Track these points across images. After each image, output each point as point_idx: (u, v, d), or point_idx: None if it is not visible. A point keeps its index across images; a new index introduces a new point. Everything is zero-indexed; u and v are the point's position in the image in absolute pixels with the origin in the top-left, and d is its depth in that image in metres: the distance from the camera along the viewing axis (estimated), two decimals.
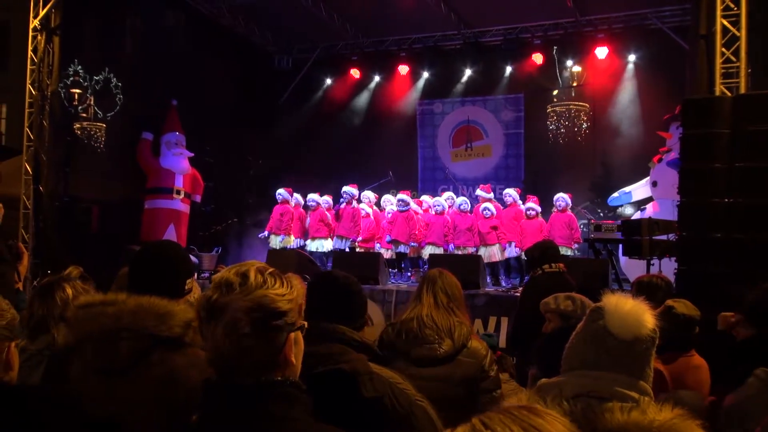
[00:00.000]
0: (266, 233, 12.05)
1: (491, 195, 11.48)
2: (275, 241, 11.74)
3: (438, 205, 11.15)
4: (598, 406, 1.58)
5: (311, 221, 11.97)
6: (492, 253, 10.64)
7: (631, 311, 1.86)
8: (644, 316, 1.87)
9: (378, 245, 11.53)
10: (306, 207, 12.28)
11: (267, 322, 1.42)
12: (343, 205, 11.32)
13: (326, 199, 11.99)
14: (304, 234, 12.21)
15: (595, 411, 1.48)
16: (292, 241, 11.78)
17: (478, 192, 11.47)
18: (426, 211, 11.54)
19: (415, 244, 10.91)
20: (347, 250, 11.20)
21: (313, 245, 11.72)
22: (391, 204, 11.52)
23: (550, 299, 3.78)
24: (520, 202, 11.20)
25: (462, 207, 10.93)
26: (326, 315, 2.33)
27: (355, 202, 11.48)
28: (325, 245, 11.67)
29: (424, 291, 3.31)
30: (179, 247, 2.61)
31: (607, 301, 1.91)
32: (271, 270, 1.49)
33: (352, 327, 2.36)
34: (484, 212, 10.80)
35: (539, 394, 1.72)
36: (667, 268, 7.80)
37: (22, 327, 2.70)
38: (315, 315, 2.44)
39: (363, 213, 11.54)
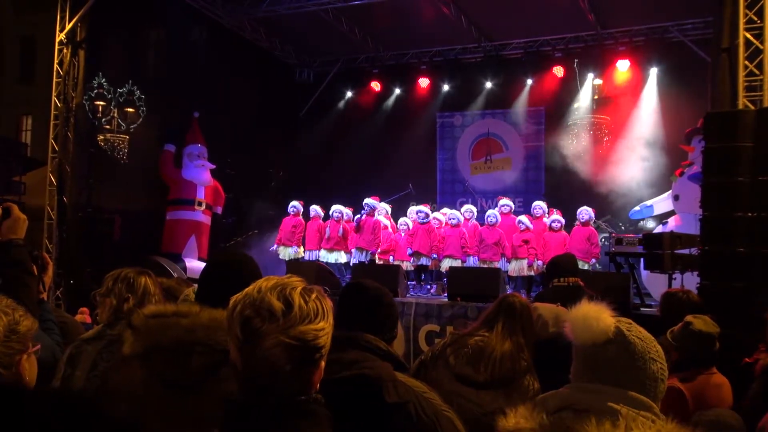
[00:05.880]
0: (275, 246, 11.92)
1: (512, 205, 11.47)
2: (286, 253, 11.69)
3: (453, 218, 11.10)
4: (572, 420, 1.51)
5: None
6: (522, 266, 10.56)
7: (583, 314, 1.76)
8: (598, 317, 1.75)
9: (392, 258, 11.47)
10: (327, 218, 12.18)
11: (306, 359, 1.39)
12: (363, 217, 11.29)
13: (347, 212, 11.90)
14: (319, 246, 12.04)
15: (567, 425, 1.42)
16: (303, 253, 11.73)
17: (505, 202, 11.46)
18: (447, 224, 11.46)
19: (435, 256, 10.85)
20: (366, 262, 11.17)
21: (331, 256, 11.60)
22: (409, 216, 11.51)
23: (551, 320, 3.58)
24: (547, 214, 11.15)
25: (490, 220, 10.85)
26: (355, 325, 2.31)
27: (376, 214, 11.45)
28: (331, 256, 11.60)
29: (501, 319, 3.25)
30: (252, 261, 2.49)
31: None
32: (315, 295, 1.43)
33: (382, 338, 2.33)
34: (519, 224, 10.70)
35: (537, 408, 1.68)
36: (690, 282, 7.72)
37: (113, 313, 2.92)
38: (344, 324, 2.34)
39: (381, 225, 11.50)
